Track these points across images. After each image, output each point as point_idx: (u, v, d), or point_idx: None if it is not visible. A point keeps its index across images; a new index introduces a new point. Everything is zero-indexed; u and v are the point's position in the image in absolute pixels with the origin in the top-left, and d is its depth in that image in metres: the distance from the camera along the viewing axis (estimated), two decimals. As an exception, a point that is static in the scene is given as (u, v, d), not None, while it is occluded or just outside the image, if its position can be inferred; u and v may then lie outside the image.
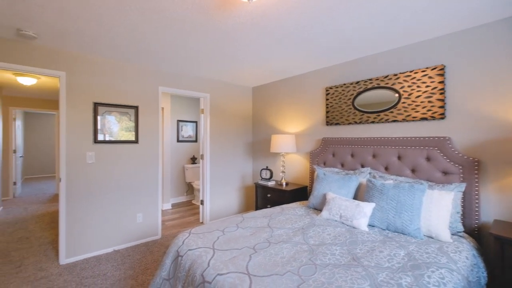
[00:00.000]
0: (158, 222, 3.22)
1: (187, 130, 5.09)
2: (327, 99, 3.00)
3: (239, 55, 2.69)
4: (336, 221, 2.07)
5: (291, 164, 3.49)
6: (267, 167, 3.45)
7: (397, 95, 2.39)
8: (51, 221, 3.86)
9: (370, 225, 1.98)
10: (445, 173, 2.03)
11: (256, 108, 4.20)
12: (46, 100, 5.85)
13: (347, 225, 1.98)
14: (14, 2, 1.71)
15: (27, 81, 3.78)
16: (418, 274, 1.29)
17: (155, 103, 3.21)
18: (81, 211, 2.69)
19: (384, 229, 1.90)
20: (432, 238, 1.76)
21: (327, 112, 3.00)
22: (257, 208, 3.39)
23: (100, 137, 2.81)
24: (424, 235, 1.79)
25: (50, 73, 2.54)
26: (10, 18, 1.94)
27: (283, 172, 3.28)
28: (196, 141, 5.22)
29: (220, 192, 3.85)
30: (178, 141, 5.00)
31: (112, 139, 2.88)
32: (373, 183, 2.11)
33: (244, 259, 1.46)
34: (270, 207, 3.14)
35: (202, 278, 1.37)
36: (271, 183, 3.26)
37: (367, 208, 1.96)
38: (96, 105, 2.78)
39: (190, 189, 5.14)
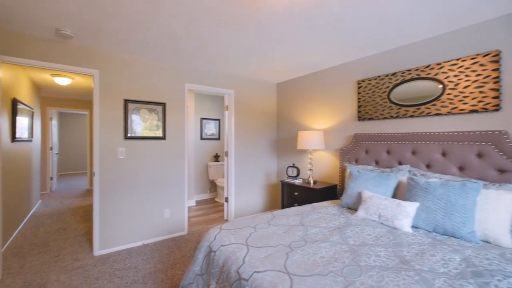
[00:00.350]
0: (184, 218, 3.24)
1: (210, 128, 5.12)
2: (359, 93, 2.84)
3: (268, 48, 2.62)
4: (374, 221, 1.93)
5: (319, 161, 3.36)
6: (293, 164, 3.35)
7: (441, 86, 2.19)
8: (85, 214, 4.05)
9: (414, 227, 1.82)
10: (501, 171, 1.82)
11: (280, 104, 4.11)
12: (79, 101, 6.18)
13: (387, 226, 1.83)
14: (55, 1, 1.77)
15: (63, 81, 3.99)
16: (482, 283, 1.13)
17: (182, 100, 3.24)
18: (113, 205, 2.77)
19: (430, 231, 1.73)
20: (489, 243, 1.58)
21: (359, 106, 2.84)
22: (283, 207, 3.30)
23: (130, 133, 2.87)
24: (480, 240, 1.61)
25: (84, 71, 2.63)
26: (50, 18, 2.02)
27: (310, 170, 3.16)
28: (219, 139, 5.24)
29: (244, 189, 3.81)
30: (202, 139, 5.05)
31: (141, 135, 2.94)
32: (415, 181, 1.94)
33: (281, 257, 1.38)
34: (297, 206, 3.04)
35: (238, 275, 1.32)
36: (298, 181, 3.16)
37: (410, 207, 1.80)
38: (126, 101, 2.85)
39: (213, 186, 5.17)
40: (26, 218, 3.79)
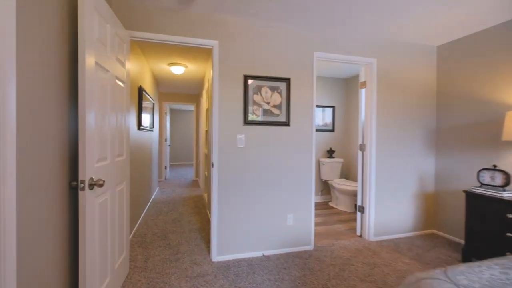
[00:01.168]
0: (311, 227, 2.49)
1: (324, 117, 4.24)
2: None
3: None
4: None
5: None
6: (494, 166, 2.04)
7: None
8: (195, 206, 3.95)
9: None
10: None
11: (444, 76, 2.80)
12: (187, 95, 6.53)
13: None
14: None
15: (177, 70, 3.98)
16: None
17: (309, 74, 2.49)
18: (230, 203, 2.29)
19: None
20: None
21: None
22: (468, 234, 2.06)
23: (250, 117, 2.33)
24: None
25: (204, 43, 2.23)
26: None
27: (539, 176, 1.81)
28: (333, 130, 4.29)
29: (387, 197, 2.74)
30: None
31: (261, 120, 2.36)
32: None
33: None
34: (518, 238, 1.77)
35: None
36: (508, 195, 1.86)
37: None
38: (246, 78, 2.32)
39: (325, 188, 4.28)
40: (148, 204, 3.97)
